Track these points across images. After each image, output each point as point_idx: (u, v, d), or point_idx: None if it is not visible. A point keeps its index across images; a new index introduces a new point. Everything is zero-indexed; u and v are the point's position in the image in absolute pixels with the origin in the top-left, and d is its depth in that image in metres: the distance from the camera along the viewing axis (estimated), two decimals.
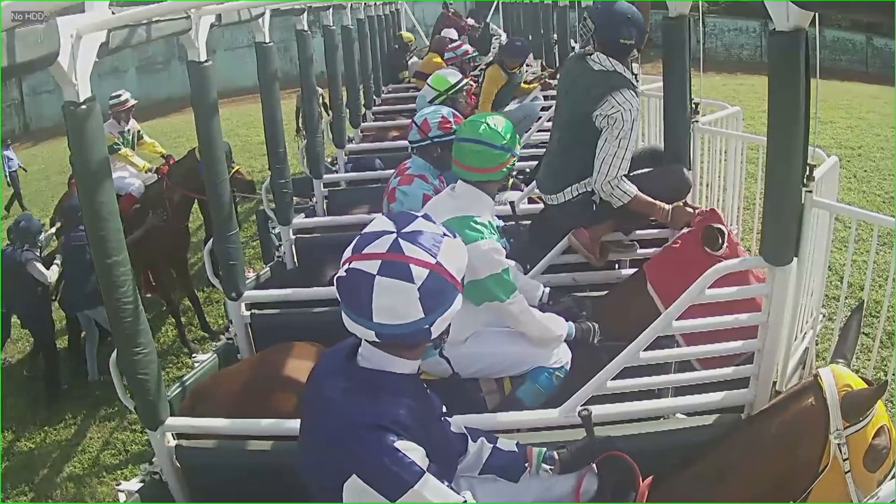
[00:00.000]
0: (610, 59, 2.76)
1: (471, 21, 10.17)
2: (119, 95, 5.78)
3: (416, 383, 1.45)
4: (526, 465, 1.75)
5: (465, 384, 2.32)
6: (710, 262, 2.26)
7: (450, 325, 1.38)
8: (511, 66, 5.43)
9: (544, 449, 1.78)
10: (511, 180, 2.42)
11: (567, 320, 2.40)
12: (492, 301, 2.17)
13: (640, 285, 2.58)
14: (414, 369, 1.41)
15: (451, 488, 1.34)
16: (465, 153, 2.25)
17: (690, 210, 2.78)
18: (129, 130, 5.89)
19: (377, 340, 1.33)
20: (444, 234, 1.35)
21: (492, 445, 1.75)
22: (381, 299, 1.28)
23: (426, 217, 1.38)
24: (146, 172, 5.74)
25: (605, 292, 2.79)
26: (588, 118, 2.73)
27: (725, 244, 2.49)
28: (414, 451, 1.27)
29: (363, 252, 1.31)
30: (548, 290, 2.63)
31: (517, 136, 2.30)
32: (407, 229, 1.32)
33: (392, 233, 1.32)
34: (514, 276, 2.31)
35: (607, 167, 2.71)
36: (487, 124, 2.25)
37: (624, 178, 2.73)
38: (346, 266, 1.33)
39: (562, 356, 2.34)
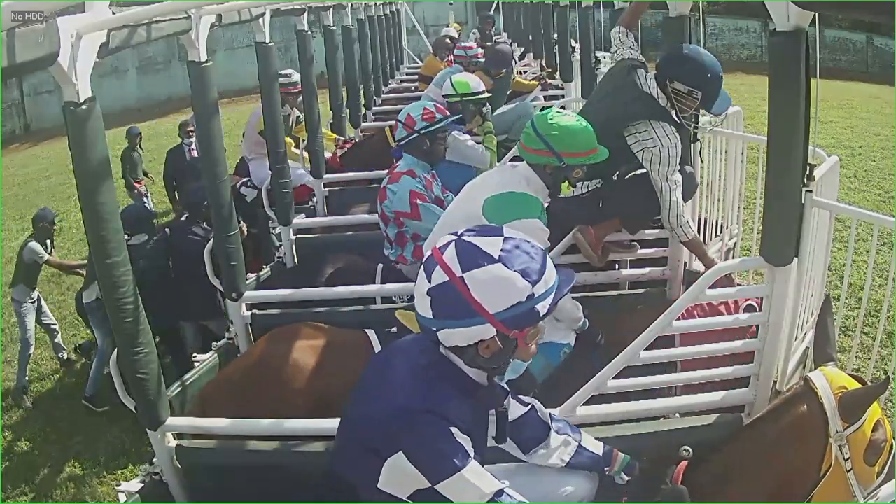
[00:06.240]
0: (659, 89, 2.64)
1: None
2: (289, 75, 5.00)
3: (484, 393, 1.43)
4: (607, 468, 1.77)
5: None
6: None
7: (498, 357, 1.35)
8: (496, 73, 5.37)
9: (629, 457, 1.79)
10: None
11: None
12: None
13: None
14: (481, 380, 1.41)
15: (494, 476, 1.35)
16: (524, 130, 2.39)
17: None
18: (288, 115, 5.14)
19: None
20: (500, 261, 1.29)
21: (577, 443, 1.75)
22: (416, 286, 1.36)
23: (509, 239, 1.34)
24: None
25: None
26: (619, 132, 2.66)
27: None
28: (465, 440, 1.30)
29: (436, 243, 1.38)
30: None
31: (572, 144, 2.33)
32: (466, 237, 1.34)
33: (455, 236, 1.36)
34: None
35: (671, 205, 2.69)
36: (549, 114, 2.37)
37: (689, 220, 2.75)
38: None
39: (569, 334, 2.47)
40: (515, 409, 1.70)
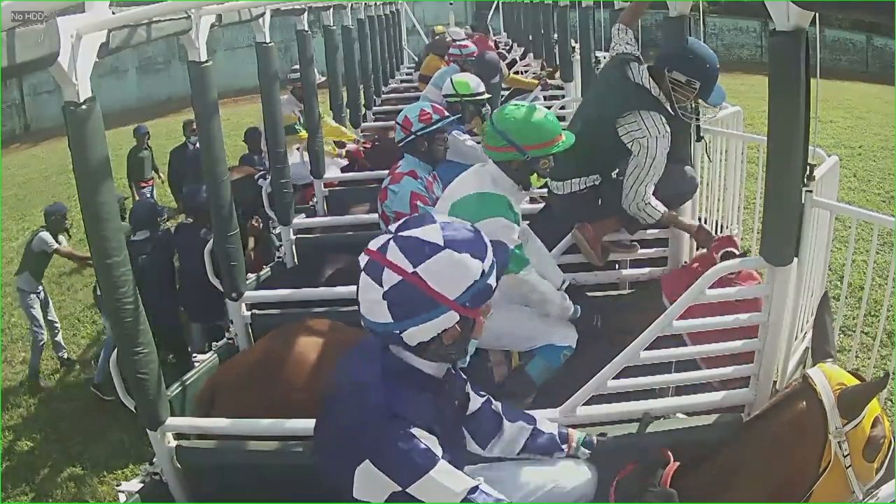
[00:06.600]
0: (652, 79, 2.66)
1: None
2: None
3: (443, 386, 1.43)
4: (564, 447, 1.77)
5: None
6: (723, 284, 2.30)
7: (460, 342, 1.35)
8: (486, 83, 5.35)
9: (584, 434, 1.81)
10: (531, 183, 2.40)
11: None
12: (507, 273, 2.17)
13: (656, 296, 2.67)
14: (437, 372, 1.41)
15: (466, 474, 1.34)
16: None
17: (711, 233, 2.81)
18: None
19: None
20: (445, 247, 1.28)
21: (531, 427, 1.75)
22: (361, 294, 1.32)
23: (445, 224, 1.33)
24: (336, 157, 4.96)
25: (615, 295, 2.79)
26: (611, 125, 2.67)
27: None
28: (430, 440, 1.28)
29: (368, 246, 1.34)
30: (568, 282, 2.68)
31: (533, 135, 2.27)
32: (403, 232, 1.31)
33: (391, 233, 1.32)
34: (532, 254, 2.47)
35: (634, 192, 2.70)
36: (506, 109, 2.32)
37: (651, 198, 2.72)
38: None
39: (570, 335, 2.46)
40: (475, 402, 1.69)
